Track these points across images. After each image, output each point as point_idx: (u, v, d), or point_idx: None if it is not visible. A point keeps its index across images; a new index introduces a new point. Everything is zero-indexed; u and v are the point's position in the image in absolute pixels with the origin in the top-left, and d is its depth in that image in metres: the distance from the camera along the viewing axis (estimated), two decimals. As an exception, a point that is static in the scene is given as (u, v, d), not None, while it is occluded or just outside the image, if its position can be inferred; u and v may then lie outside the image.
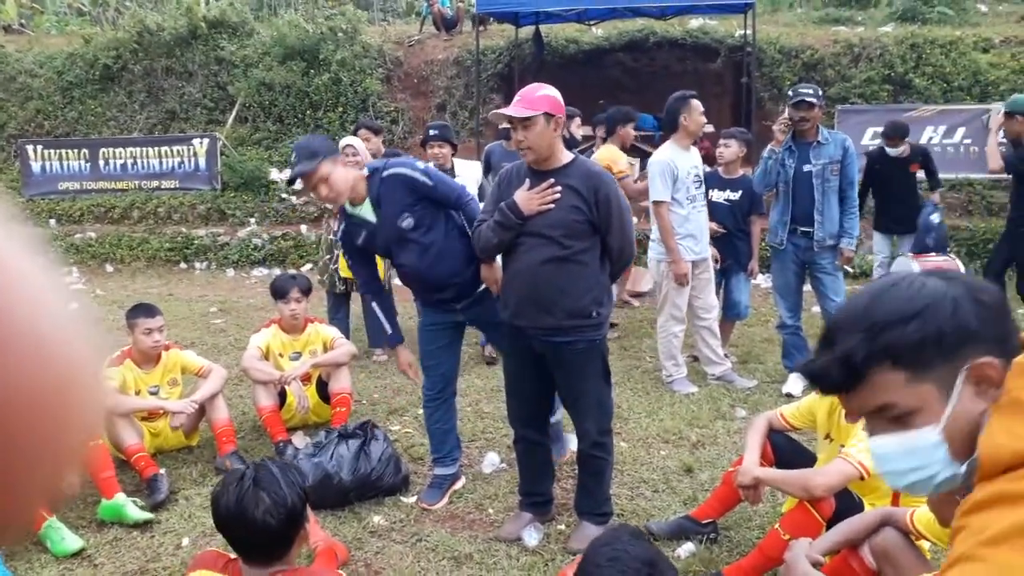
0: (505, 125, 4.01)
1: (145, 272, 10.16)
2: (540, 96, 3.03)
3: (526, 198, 2.99)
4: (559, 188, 2.99)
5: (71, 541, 3.37)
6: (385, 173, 3.36)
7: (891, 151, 6.63)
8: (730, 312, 5.70)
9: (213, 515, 2.08)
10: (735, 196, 5.52)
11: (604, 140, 6.25)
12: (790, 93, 5.04)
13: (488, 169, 5.97)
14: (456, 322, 3.63)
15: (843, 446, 2.82)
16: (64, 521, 3.49)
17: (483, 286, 3.34)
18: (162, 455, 4.30)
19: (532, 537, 3.27)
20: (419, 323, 3.75)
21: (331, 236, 5.85)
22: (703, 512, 3.28)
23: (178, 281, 9.68)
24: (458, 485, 3.82)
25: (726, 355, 5.52)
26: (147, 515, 3.61)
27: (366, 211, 3.42)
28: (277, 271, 9.66)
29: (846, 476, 2.70)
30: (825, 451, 3.04)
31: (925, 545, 2.49)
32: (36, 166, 11.37)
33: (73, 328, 0.42)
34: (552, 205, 2.98)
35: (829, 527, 2.72)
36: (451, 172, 5.38)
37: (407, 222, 3.33)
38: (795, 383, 5.01)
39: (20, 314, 0.39)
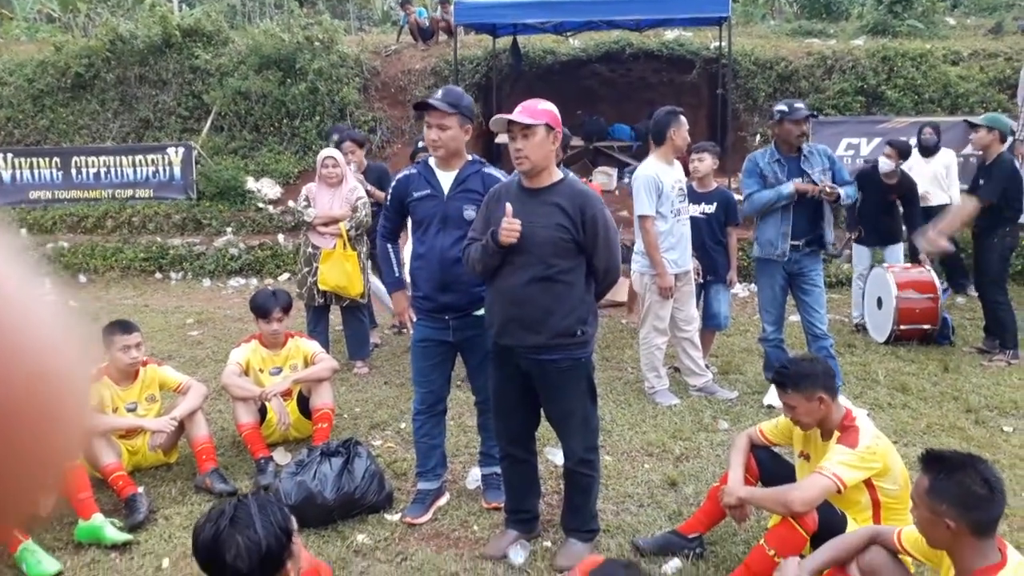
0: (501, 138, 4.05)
1: (119, 282, 10.01)
2: (542, 109, 3.07)
3: (502, 230, 2.99)
4: (518, 225, 2.97)
5: (48, 564, 3.30)
6: (485, 169, 3.57)
7: (884, 165, 6.58)
8: (710, 323, 5.74)
9: (192, 548, 2.06)
10: (710, 208, 5.57)
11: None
12: (784, 108, 5.02)
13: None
14: (446, 342, 3.62)
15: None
16: (40, 543, 3.41)
17: (481, 311, 3.33)
18: (140, 473, 4.23)
19: (518, 555, 3.26)
20: (412, 340, 3.75)
21: (309, 248, 5.81)
22: (689, 527, 3.29)
23: (153, 291, 9.55)
24: (442, 501, 3.80)
25: (707, 366, 5.56)
26: (125, 536, 3.54)
27: (446, 180, 3.52)
28: (254, 281, 9.58)
29: (823, 489, 2.74)
30: (802, 469, 3.08)
31: (908, 561, 2.52)
32: (6, 175, 11.17)
33: (59, 337, 0.42)
34: (517, 233, 2.97)
35: (814, 541, 2.75)
36: None
37: (468, 212, 3.42)
38: (776, 395, 5.05)
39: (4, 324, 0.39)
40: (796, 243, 5.07)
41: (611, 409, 5.04)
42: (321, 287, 5.70)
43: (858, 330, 6.83)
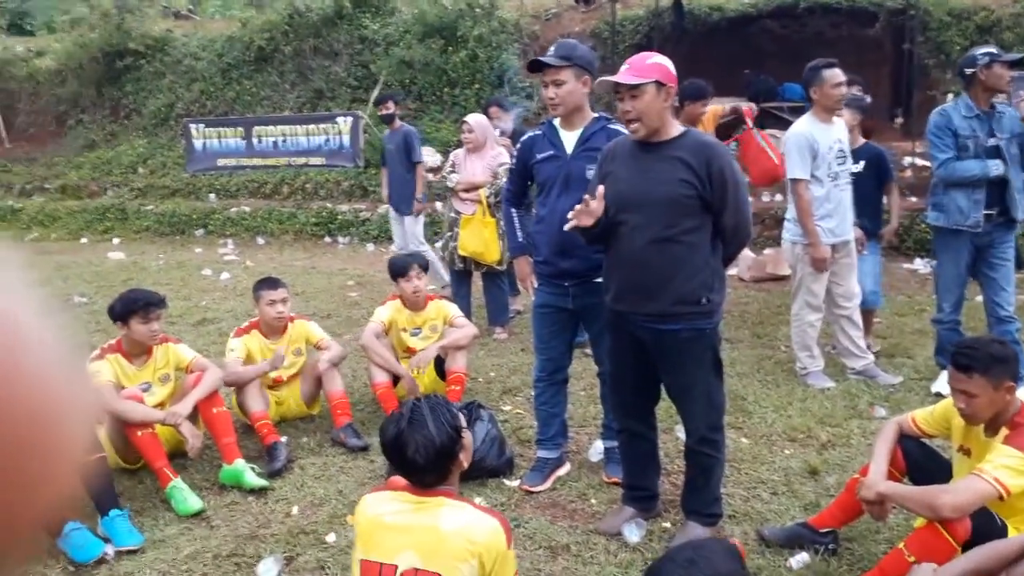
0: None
1: (292, 245, 10.68)
2: (651, 64, 2.84)
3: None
4: (594, 207, 2.81)
5: (192, 502, 3.55)
6: (611, 125, 3.35)
7: None
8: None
9: (380, 445, 2.33)
10: (857, 167, 5.00)
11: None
12: (992, 50, 4.42)
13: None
14: (566, 309, 3.50)
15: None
16: (189, 482, 3.69)
17: (599, 278, 3.19)
18: (285, 423, 4.47)
19: (633, 533, 3.12)
20: (532, 305, 3.67)
21: (452, 213, 5.87)
22: (823, 520, 3.00)
23: (322, 254, 10.10)
24: (562, 471, 3.72)
25: (869, 347, 5.08)
26: (263, 482, 3.74)
27: (569, 140, 3.38)
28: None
29: (980, 495, 2.37)
30: (960, 466, 2.70)
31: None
32: (198, 144, 12.20)
33: (60, 370, 0.42)
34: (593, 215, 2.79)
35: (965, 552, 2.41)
36: None
37: (591, 172, 3.26)
38: (946, 382, 4.53)
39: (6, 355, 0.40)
40: (989, 212, 4.47)
41: (756, 389, 4.73)
42: (460, 252, 5.75)
43: (1058, 313, 5.99)
